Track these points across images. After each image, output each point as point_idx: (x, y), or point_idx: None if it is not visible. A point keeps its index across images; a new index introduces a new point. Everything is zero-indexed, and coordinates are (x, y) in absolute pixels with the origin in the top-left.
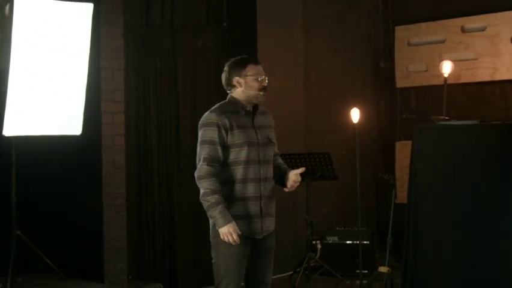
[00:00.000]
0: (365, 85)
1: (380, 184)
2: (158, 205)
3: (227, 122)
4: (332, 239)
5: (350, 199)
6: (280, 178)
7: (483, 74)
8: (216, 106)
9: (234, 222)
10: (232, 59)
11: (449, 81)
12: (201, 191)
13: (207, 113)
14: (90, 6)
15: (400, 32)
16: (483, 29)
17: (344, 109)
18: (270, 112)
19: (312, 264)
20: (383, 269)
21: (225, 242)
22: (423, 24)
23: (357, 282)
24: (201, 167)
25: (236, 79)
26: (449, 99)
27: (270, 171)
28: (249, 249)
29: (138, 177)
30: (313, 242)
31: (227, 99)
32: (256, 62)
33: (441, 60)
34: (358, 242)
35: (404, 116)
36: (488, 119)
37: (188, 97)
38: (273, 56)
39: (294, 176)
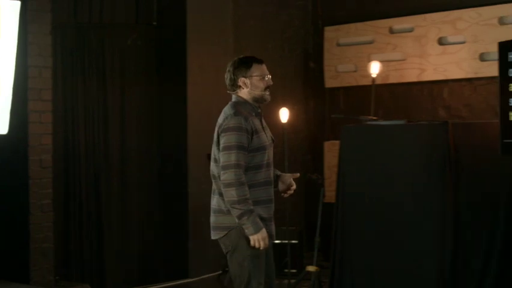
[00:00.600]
0: (294, 85)
1: (308, 184)
2: (86, 205)
3: (252, 126)
4: None
5: (279, 199)
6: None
7: (410, 75)
8: (234, 109)
9: (264, 229)
10: (236, 59)
11: (377, 82)
12: (232, 198)
13: (231, 117)
14: (17, 4)
15: (329, 32)
16: (411, 30)
17: (273, 109)
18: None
19: None
20: (311, 268)
21: (248, 243)
22: (352, 25)
23: (286, 281)
24: (233, 174)
25: (242, 80)
26: (377, 100)
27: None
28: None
29: (65, 177)
30: None
31: (236, 101)
32: (260, 61)
33: (369, 60)
34: (286, 241)
35: (332, 115)
36: (415, 119)
37: (117, 96)
38: (203, 55)
39: (290, 183)
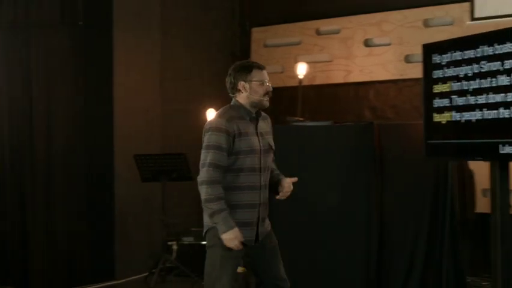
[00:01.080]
0: (221, 86)
1: None
2: (11, 206)
3: (235, 129)
4: (187, 240)
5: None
6: (272, 185)
7: (337, 76)
8: (222, 111)
9: (236, 228)
10: (237, 63)
11: (304, 83)
12: (204, 197)
13: (215, 118)
14: None
15: (257, 33)
16: (337, 32)
17: (201, 109)
18: (269, 117)
19: (167, 265)
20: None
21: (220, 244)
22: (279, 26)
23: None
24: (206, 172)
25: (242, 84)
26: (304, 100)
27: (268, 178)
28: (240, 254)
29: None
30: (169, 242)
31: (231, 104)
32: (261, 67)
33: (296, 61)
34: None
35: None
36: (341, 120)
37: (42, 97)
38: (129, 56)
39: (287, 186)
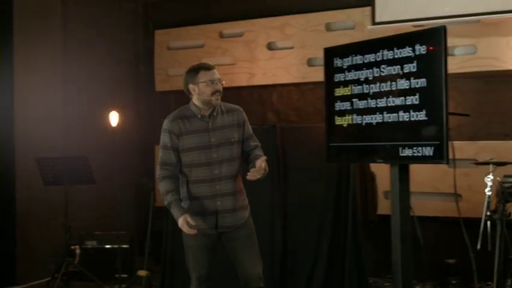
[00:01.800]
0: (124, 88)
1: (139, 188)
2: None
3: (177, 128)
4: (91, 244)
5: (110, 203)
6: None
7: (240, 79)
8: (173, 113)
9: (187, 214)
10: (189, 67)
11: None
12: (160, 191)
13: (164, 120)
14: None
15: (160, 35)
16: (241, 35)
17: (103, 112)
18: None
19: (71, 269)
20: (141, 273)
21: (185, 234)
22: (182, 29)
23: (117, 286)
24: (158, 170)
25: (191, 86)
26: None
27: (231, 170)
28: (207, 243)
29: None
30: (72, 246)
31: (187, 105)
32: (208, 68)
33: None
34: (117, 246)
35: (162, 119)
36: None
37: None
38: (30, 57)
39: (258, 166)
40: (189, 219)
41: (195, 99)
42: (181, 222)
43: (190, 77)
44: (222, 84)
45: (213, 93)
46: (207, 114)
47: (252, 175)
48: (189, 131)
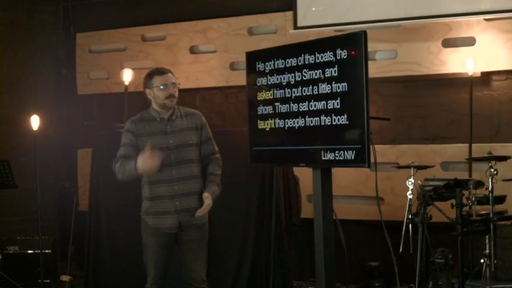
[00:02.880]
0: (46, 92)
1: (61, 192)
2: None
3: (136, 129)
4: (12, 249)
5: (32, 207)
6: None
7: None
8: (135, 115)
9: (140, 156)
10: (147, 72)
11: (130, 89)
12: (120, 176)
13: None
14: None
15: (81, 38)
16: (163, 39)
17: (24, 115)
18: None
19: None
20: (65, 278)
21: (144, 235)
22: (104, 32)
23: None
24: (114, 163)
25: (147, 91)
26: (130, 107)
27: (190, 171)
28: (166, 243)
29: None
30: None
31: (148, 108)
32: (161, 72)
33: (122, 68)
34: (39, 251)
35: (85, 123)
36: None
37: None
38: None
39: (205, 203)
40: (147, 150)
41: (153, 103)
42: (142, 158)
43: (146, 82)
44: (178, 88)
45: (167, 97)
46: (166, 118)
47: (201, 212)
48: (148, 133)
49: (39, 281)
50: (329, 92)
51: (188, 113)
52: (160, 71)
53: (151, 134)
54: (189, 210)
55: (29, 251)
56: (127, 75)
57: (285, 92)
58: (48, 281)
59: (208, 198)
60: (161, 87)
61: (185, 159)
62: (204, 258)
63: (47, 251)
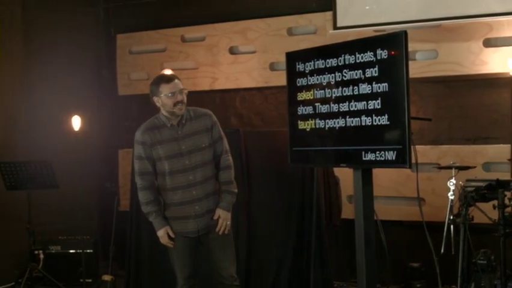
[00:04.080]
0: (87, 92)
1: (103, 192)
2: None
3: (149, 139)
4: (54, 249)
5: (73, 208)
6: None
7: (203, 83)
8: (145, 123)
9: (168, 227)
10: (152, 80)
11: None
12: (142, 207)
13: (137, 131)
14: None
15: (122, 39)
16: (202, 39)
17: (66, 116)
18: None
19: (34, 274)
20: (106, 277)
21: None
22: (144, 33)
23: None
24: (136, 181)
25: (155, 99)
26: None
27: (206, 173)
28: (189, 243)
29: None
30: (36, 251)
31: (157, 114)
32: (168, 80)
33: (162, 68)
34: (81, 251)
35: (126, 123)
36: None
37: None
38: None
39: (219, 222)
40: (170, 232)
41: (162, 110)
42: (161, 233)
43: (153, 90)
44: (186, 94)
45: (175, 104)
46: (176, 123)
47: (219, 229)
48: (160, 140)
49: (81, 280)
50: (369, 92)
51: (198, 115)
52: (167, 79)
53: (163, 142)
54: (209, 212)
55: (71, 251)
56: None
57: (325, 92)
58: (90, 280)
59: (220, 217)
60: (169, 95)
61: (200, 163)
62: (232, 255)
63: (88, 251)
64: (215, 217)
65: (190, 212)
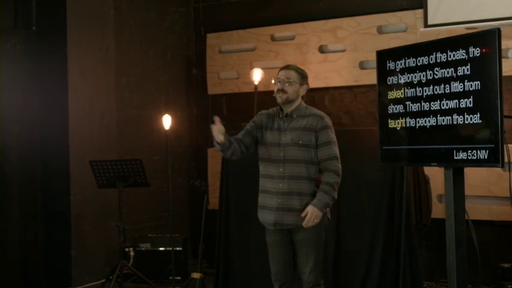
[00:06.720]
0: (177, 92)
1: (192, 190)
2: None
3: (259, 120)
4: (144, 246)
5: (163, 206)
6: None
7: None
8: (268, 109)
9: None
10: None
11: (260, 89)
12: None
13: None
14: None
15: (211, 39)
16: (292, 38)
17: (156, 115)
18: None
19: (125, 271)
20: (195, 275)
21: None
22: (234, 32)
23: None
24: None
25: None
26: (259, 106)
27: (298, 170)
28: (280, 240)
29: None
30: (126, 249)
31: None
32: (282, 68)
33: (251, 67)
34: (171, 248)
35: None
36: None
37: None
38: (84, 61)
39: (307, 215)
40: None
41: None
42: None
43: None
44: (290, 85)
45: (277, 91)
46: (285, 115)
47: (305, 224)
48: (267, 127)
49: (171, 277)
50: (461, 90)
51: (311, 114)
52: (282, 67)
53: (269, 128)
54: (290, 210)
55: (161, 248)
56: (257, 75)
57: (416, 91)
58: (179, 278)
59: (309, 211)
60: (273, 81)
61: (294, 158)
62: (314, 260)
63: (178, 249)
64: (303, 214)
65: (272, 204)
